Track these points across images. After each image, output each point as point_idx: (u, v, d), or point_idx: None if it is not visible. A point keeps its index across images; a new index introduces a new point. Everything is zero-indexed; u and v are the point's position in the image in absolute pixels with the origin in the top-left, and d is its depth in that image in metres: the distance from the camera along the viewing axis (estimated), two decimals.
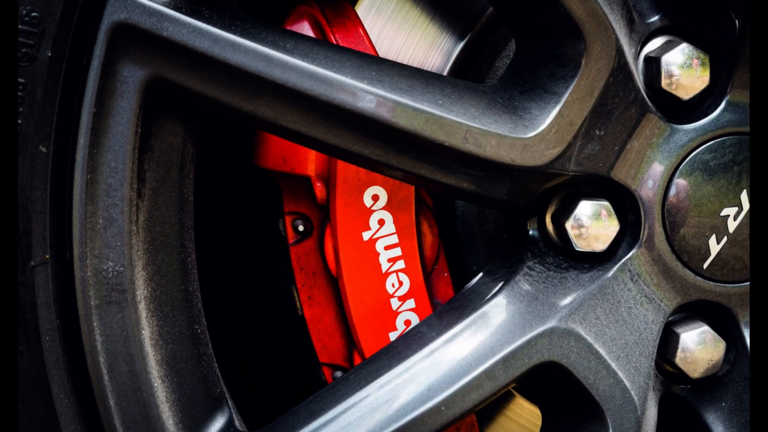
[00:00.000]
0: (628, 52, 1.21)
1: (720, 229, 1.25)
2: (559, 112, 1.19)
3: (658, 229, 1.26)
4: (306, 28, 1.33)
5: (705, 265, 1.27)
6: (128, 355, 1.17)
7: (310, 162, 1.33)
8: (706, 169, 1.25)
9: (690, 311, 1.30)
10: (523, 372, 1.21)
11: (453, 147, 1.17)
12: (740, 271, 1.27)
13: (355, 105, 1.14)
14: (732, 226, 1.26)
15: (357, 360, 1.40)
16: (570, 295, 1.25)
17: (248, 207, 1.67)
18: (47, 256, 1.17)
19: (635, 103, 1.22)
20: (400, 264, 1.36)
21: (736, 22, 1.22)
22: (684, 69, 1.23)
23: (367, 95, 1.15)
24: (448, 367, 1.20)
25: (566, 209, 1.26)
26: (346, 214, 1.34)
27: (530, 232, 1.29)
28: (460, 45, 1.39)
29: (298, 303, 1.41)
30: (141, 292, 1.18)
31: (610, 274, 1.25)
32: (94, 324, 1.16)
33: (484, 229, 1.40)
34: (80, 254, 1.15)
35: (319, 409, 1.21)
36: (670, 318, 1.29)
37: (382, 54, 1.37)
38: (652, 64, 1.23)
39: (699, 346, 1.28)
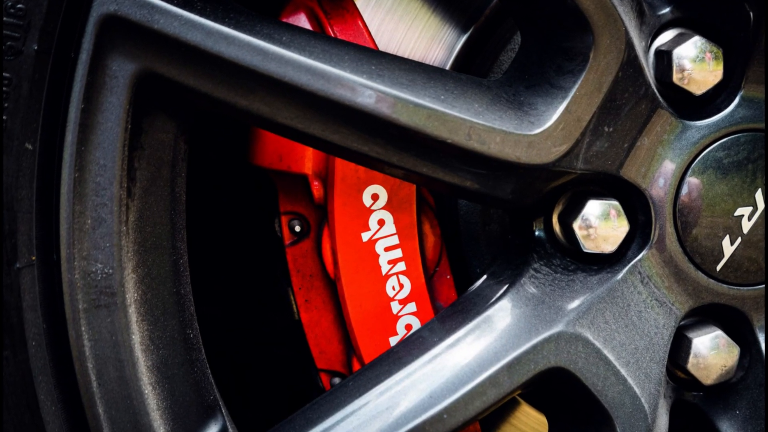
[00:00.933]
0: (638, 45, 1.20)
1: (734, 229, 1.25)
2: (567, 108, 1.19)
3: (670, 229, 1.25)
4: (303, 21, 1.33)
5: (718, 267, 1.27)
6: (118, 360, 1.16)
7: (307, 160, 1.33)
8: (719, 168, 1.25)
9: (702, 315, 1.30)
10: (529, 378, 1.21)
11: (456, 144, 1.17)
12: (755, 274, 1.27)
13: (354, 100, 1.14)
14: (746, 226, 1.26)
15: (356, 366, 1.40)
16: (577, 299, 1.24)
17: (243, 207, 1.70)
18: (33, 258, 1.17)
19: (646, 98, 1.22)
20: (401, 266, 1.35)
21: (751, 14, 1.22)
22: (696, 63, 1.23)
23: (366, 90, 1.14)
24: (450, 374, 1.20)
25: (574, 209, 1.25)
26: (345, 214, 1.34)
27: (536, 233, 1.29)
28: (463, 38, 1.39)
29: (294, 306, 1.41)
30: (131, 295, 1.17)
31: (620, 276, 1.25)
32: (83, 328, 1.15)
33: (488, 229, 1.40)
34: (68, 256, 1.14)
35: (316, 417, 1.21)
36: (682, 322, 1.29)
37: (381, 47, 1.37)
38: (663, 57, 1.23)
39: (712, 352, 1.28)
